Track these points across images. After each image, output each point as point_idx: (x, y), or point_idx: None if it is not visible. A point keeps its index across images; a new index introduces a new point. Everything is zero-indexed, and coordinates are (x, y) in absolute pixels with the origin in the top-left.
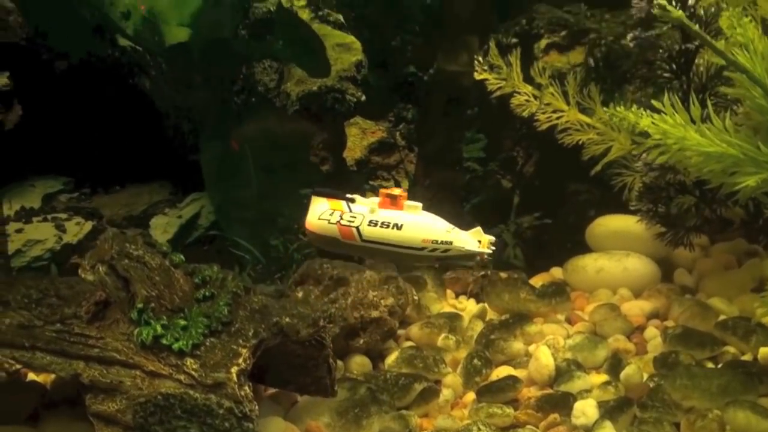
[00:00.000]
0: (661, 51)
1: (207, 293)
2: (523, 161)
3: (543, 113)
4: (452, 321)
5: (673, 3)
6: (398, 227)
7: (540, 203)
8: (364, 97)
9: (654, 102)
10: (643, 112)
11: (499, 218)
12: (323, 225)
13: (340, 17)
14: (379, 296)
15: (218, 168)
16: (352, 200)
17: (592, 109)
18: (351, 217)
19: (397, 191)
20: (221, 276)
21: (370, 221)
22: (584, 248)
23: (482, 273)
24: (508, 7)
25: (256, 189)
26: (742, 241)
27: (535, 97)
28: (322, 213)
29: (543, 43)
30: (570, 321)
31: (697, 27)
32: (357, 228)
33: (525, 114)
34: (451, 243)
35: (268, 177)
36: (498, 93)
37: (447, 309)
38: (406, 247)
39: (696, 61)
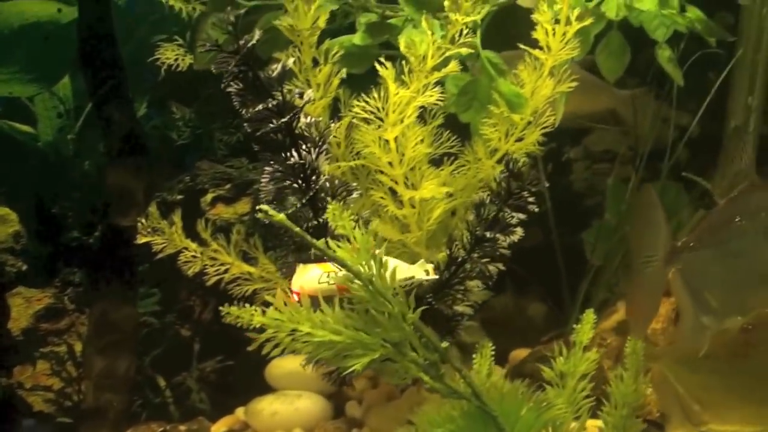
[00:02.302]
0: None
1: None
2: (200, 309)
3: (212, 266)
4: None
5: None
6: None
7: (222, 347)
8: (25, 267)
9: (267, 297)
10: (255, 310)
11: (181, 366)
12: (322, 287)
13: None
14: None
15: None
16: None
17: (257, 259)
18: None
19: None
20: None
21: None
22: (269, 388)
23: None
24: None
25: None
26: None
27: (202, 253)
28: (320, 277)
29: (209, 197)
30: None
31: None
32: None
33: (191, 272)
34: (413, 277)
35: None
36: (163, 253)
37: None
38: None
39: None
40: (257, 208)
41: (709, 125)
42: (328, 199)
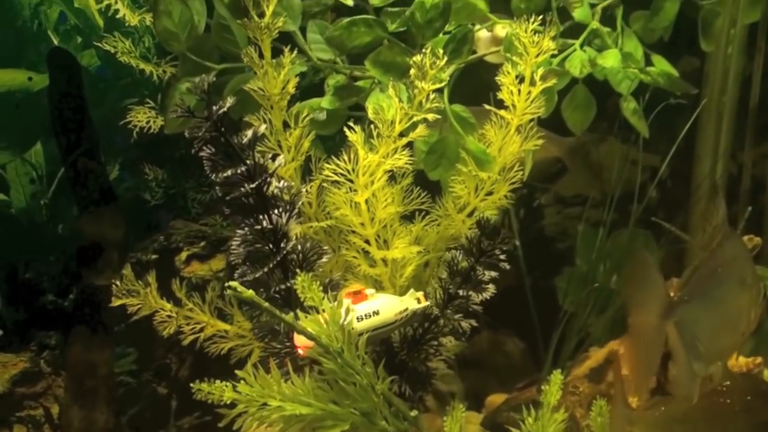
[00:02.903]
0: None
1: None
2: (177, 367)
3: (187, 325)
4: None
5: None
6: (377, 313)
7: (199, 403)
8: (1, 332)
9: (238, 372)
10: (226, 385)
11: (159, 424)
12: None
13: None
14: None
15: None
16: None
17: (232, 316)
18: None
19: (356, 287)
20: None
21: (358, 318)
22: None
23: None
24: (146, 226)
25: None
26: None
27: (177, 312)
28: None
29: (183, 255)
30: None
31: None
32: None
33: (167, 332)
34: (407, 309)
35: None
36: (139, 315)
37: None
38: (388, 325)
39: None
40: (225, 285)
41: (679, 166)
42: (298, 263)
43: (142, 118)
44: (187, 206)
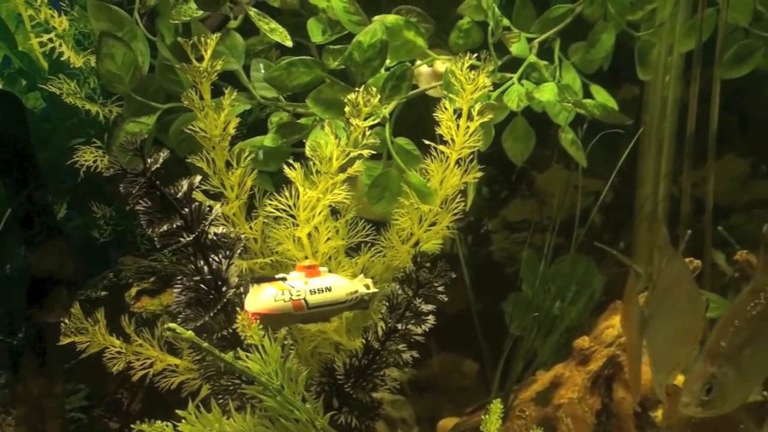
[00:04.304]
0: None
1: None
2: (128, 401)
3: (137, 361)
4: None
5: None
6: (329, 289)
7: None
8: None
9: (179, 411)
10: (166, 425)
11: None
12: (279, 305)
13: None
14: None
15: None
16: (284, 278)
17: (183, 349)
18: (297, 291)
19: (308, 262)
20: None
21: (311, 290)
22: None
23: None
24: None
25: None
26: None
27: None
28: (275, 295)
29: (133, 291)
30: None
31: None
32: (304, 299)
33: (116, 368)
34: (357, 291)
35: None
36: (88, 352)
37: None
38: (339, 303)
39: None
40: (166, 327)
41: (622, 190)
42: (241, 305)
43: (89, 157)
44: (136, 242)
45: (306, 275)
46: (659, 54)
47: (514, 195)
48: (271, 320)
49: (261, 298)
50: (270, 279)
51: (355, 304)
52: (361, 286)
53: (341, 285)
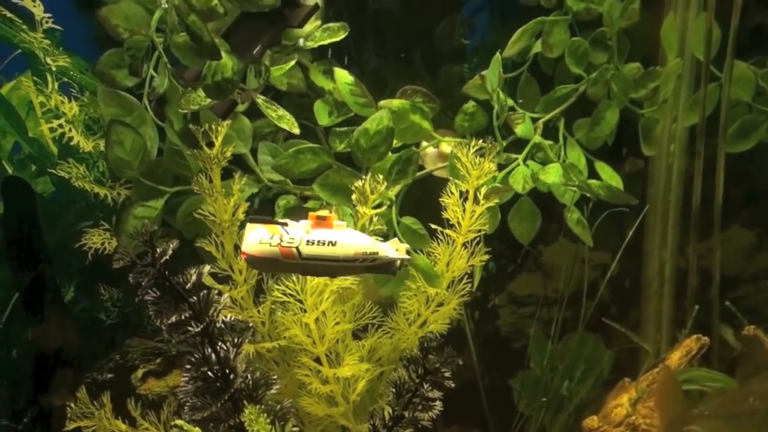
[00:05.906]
0: None
1: None
2: None
3: None
4: None
5: None
6: (333, 244)
7: None
8: None
9: None
10: None
11: None
12: (265, 248)
13: None
14: None
15: None
16: (285, 224)
17: None
18: (290, 239)
19: (325, 213)
20: None
21: (308, 240)
22: None
23: None
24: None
25: None
26: None
27: None
28: (263, 238)
29: (139, 372)
30: None
31: None
32: (297, 248)
33: None
34: (377, 253)
35: None
36: None
37: None
38: (342, 260)
39: None
40: (172, 424)
41: (627, 262)
42: (248, 394)
43: (97, 240)
44: (142, 323)
45: (313, 225)
46: (664, 128)
47: (521, 269)
48: (259, 263)
49: (248, 239)
50: (268, 220)
51: (376, 266)
52: (390, 249)
53: (351, 242)
